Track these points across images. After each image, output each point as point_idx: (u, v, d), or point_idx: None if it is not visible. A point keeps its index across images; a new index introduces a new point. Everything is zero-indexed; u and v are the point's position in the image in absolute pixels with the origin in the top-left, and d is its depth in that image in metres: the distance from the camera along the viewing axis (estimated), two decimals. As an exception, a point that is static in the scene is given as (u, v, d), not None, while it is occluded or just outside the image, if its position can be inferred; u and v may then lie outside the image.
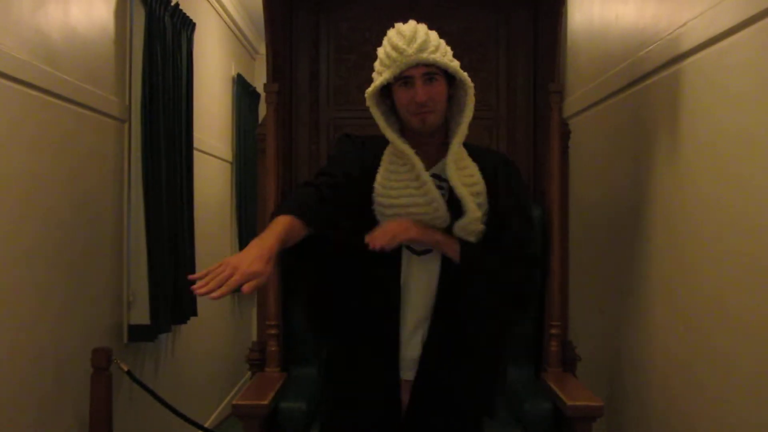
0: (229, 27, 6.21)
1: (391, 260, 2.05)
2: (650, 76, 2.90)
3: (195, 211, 4.70)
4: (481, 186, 2.07)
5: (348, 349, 2.15)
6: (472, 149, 2.15)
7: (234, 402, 2.61)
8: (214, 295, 1.73)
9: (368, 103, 2.04)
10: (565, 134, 3.14)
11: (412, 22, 2.05)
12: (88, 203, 3.50)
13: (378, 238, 1.96)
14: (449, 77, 2.04)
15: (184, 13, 4.47)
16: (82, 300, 3.44)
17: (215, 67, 5.76)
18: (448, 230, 2.04)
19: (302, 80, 3.38)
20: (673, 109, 2.69)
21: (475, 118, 3.30)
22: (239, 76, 6.41)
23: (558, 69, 3.18)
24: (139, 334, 3.91)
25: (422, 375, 2.06)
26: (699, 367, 2.51)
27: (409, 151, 2.02)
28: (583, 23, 3.89)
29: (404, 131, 2.09)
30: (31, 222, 3.00)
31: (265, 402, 2.58)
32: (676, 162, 2.68)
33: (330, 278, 2.16)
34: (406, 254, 2.07)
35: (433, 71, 1.99)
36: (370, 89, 2.03)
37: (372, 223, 2.05)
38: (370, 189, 2.06)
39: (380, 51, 2.04)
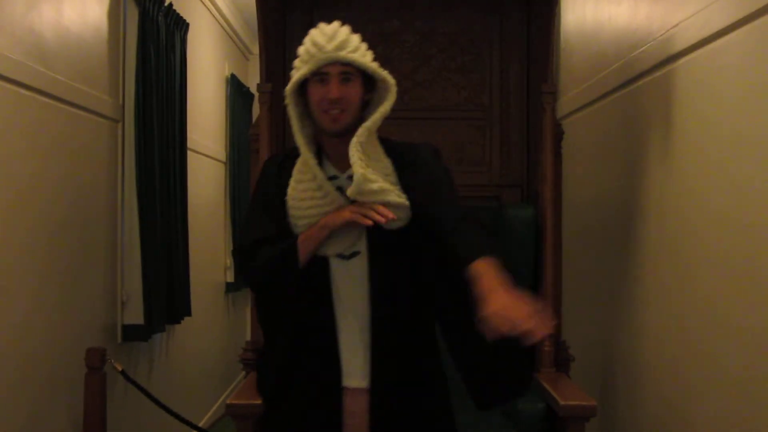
0: (222, 27, 6.20)
1: (320, 272, 2.05)
2: (643, 77, 2.90)
3: (189, 212, 4.69)
4: (390, 175, 2.03)
5: (288, 356, 2.13)
6: (393, 144, 2.12)
7: (228, 401, 2.60)
8: None
9: (287, 101, 2.03)
10: (558, 135, 3.13)
11: (335, 23, 2.04)
12: (82, 203, 3.49)
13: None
14: (366, 82, 2.03)
15: (178, 14, 4.46)
16: (76, 300, 3.44)
17: (209, 67, 5.75)
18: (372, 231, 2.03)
19: (296, 80, 3.37)
20: (666, 110, 2.69)
21: (468, 118, 3.36)
22: (233, 76, 6.41)
23: (551, 70, 3.17)
24: (133, 333, 3.91)
25: (377, 380, 2.04)
26: (691, 369, 2.51)
27: (309, 159, 2.02)
28: (576, 24, 3.89)
29: (318, 135, 2.08)
30: (25, 222, 2.99)
31: (259, 402, 2.57)
32: (669, 163, 2.68)
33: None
34: (334, 263, 2.06)
35: (350, 71, 1.98)
36: (288, 85, 2.02)
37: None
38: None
39: (300, 49, 2.03)
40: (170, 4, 4.33)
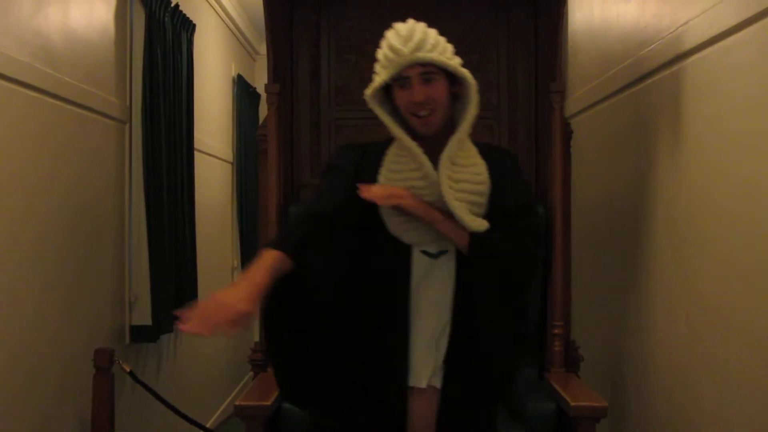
0: (229, 28, 6.20)
1: (401, 265, 2.00)
2: (652, 76, 2.89)
3: (196, 212, 4.69)
4: (485, 186, 2.01)
5: (341, 354, 2.07)
6: (482, 147, 2.10)
7: (236, 403, 2.59)
8: (198, 332, 1.70)
9: (370, 105, 2.00)
10: (567, 134, 3.12)
11: (410, 21, 2.00)
12: (90, 204, 3.49)
13: (374, 191, 1.93)
14: (451, 76, 1.98)
15: (184, 14, 4.46)
16: (84, 300, 3.44)
17: (215, 67, 5.75)
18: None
19: (303, 80, 3.37)
20: (675, 109, 2.68)
21: (476, 117, 3.33)
22: (239, 76, 6.40)
23: (559, 68, 3.16)
24: (141, 334, 3.91)
25: (450, 383, 2.01)
26: (700, 372, 2.50)
27: (412, 145, 1.97)
28: (584, 22, 3.88)
29: (410, 135, 2.03)
30: (33, 223, 2.99)
31: (268, 403, 2.56)
32: (678, 163, 2.67)
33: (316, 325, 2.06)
34: (417, 258, 2.01)
35: (431, 71, 1.94)
36: (368, 91, 1.99)
37: (380, 234, 2.02)
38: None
39: (379, 52, 2.00)
40: (177, 5, 4.33)
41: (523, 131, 3.34)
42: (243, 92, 6.47)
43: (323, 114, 3.36)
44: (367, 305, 2.05)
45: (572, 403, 2.57)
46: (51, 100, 3.12)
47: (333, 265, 2.04)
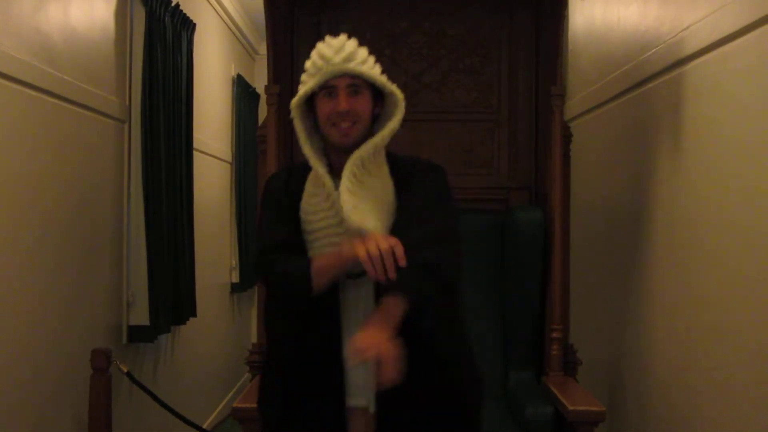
0: (229, 27, 6.20)
1: (328, 288, 1.99)
2: (652, 80, 2.89)
3: (195, 212, 4.69)
4: (388, 195, 2.00)
5: (293, 369, 2.08)
6: (398, 160, 2.07)
7: (234, 405, 2.59)
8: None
9: (293, 114, 2.00)
10: (567, 137, 3.12)
11: (342, 36, 2.00)
12: (88, 204, 3.49)
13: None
14: (375, 96, 1.99)
15: (185, 14, 4.46)
16: (82, 300, 3.44)
17: (215, 67, 5.75)
18: None
19: (303, 82, 3.37)
20: (676, 113, 2.68)
21: (476, 120, 3.35)
22: (239, 76, 6.40)
23: (560, 72, 3.16)
24: (138, 334, 3.91)
25: (382, 401, 1.99)
26: (697, 378, 2.51)
27: (321, 171, 1.98)
28: (585, 26, 3.88)
29: (327, 149, 2.04)
30: (32, 223, 2.99)
31: (265, 405, 2.56)
32: (678, 168, 2.67)
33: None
34: (342, 279, 2.01)
35: (358, 83, 1.95)
36: (294, 99, 1.99)
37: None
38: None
39: (307, 63, 2.00)
40: (177, 5, 4.33)
41: (522, 134, 3.34)
42: (242, 92, 6.47)
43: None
44: (303, 329, 2.05)
45: (570, 408, 2.57)
46: (51, 99, 3.12)
47: None
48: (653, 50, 2.87)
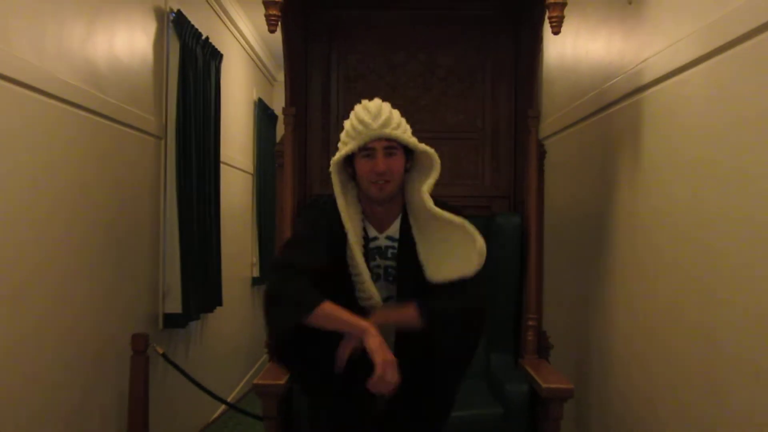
0: (251, 57, 6.20)
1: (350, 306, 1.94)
2: (615, 105, 2.89)
3: (221, 215, 4.68)
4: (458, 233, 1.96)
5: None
6: (446, 205, 2.02)
7: (254, 382, 2.58)
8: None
9: (332, 169, 1.98)
10: (541, 153, 3.12)
11: (377, 100, 1.97)
12: (129, 208, 3.49)
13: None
14: (407, 152, 1.97)
15: (213, 46, 4.46)
16: (124, 291, 3.43)
17: (239, 92, 5.75)
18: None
19: (315, 104, 3.36)
20: (635, 134, 2.67)
21: (464, 138, 3.35)
22: (260, 100, 6.40)
23: (535, 97, 3.16)
24: (172, 321, 3.91)
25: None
26: (655, 360, 2.50)
27: (356, 247, 1.97)
28: (557, 57, 3.88)
29: (361, 197, 2.03)
30: (79, 224, 2.98)
31: (282, 382, 2.55)
32: (636, 180, 2.67)
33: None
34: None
35: (393, 145, 1.93)
36: (335, 157, 1.96)
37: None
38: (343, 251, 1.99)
39: (347, 123, 1.97)
40: (207, 38, 4.33)
41: (504, 150, 3.34)
42: (262, 113, 6.47)
43: (332, 134, 3.35)
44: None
45: (544, 386, 2.57)
46: (97, 118, 3.11)
47: None
48: (616, 79, 2.86)
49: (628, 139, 2.74)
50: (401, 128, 1.94)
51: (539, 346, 3.00)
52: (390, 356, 1.83)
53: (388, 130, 1.90)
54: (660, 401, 2.45)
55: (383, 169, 1.92)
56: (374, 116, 1.91)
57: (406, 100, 3.29)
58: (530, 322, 2.97)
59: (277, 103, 6.81)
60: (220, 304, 4.68)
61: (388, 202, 1.99)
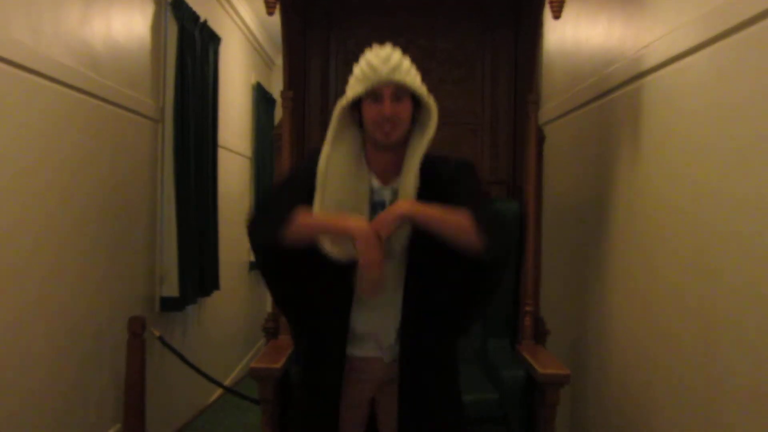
0: (249, 41, 6.17)
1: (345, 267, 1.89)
2: (615, 91, 2.88)
3: (219, 200, 4.68)
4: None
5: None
6: (433, 160, 1.97)
7: (251, 365, 2.58)
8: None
9: (335, 113, 1.94)
10: (540, 139, 3.11)
11: (388, 46, 1.93)
12: (126, 191, 3.48)
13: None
14: (415, 100, 1.92)
15: (211, 29, 4.43)
16: (122, 275, 3.43)
17: (237, 76, 5.72)
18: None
19: (314, 88, 3.35)
20: (634, 120, 2.66)
21: (463, 123, 3.33)
22: (258, 84, 6.37)
23: (535, 82, 3.14)
24: (169, 304, 3.91)
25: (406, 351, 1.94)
26: (653, 344, 2.50)
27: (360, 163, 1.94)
28: (557, 43, 3.86)
29: (366, 143, 1.98)
30: (76, 207, 2.98)
31: (278, 366, 2.56)
32: (636, 167, 2.66)
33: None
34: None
35: (401, 91, 1.88)
36: (343, 100, 1.93)
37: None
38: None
39: (356, 68, 1.94)
40: (205, 21, 4.30)
41: (503, 135, 3.32)
42: (261, 98, 6.44)
43: (330, 117, 3.33)
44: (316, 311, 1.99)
45: (541, 371, 2.57)
46: (94, 100, 3.10)
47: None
48: (616, 65, 2.85)
49: (628, 125, 2.73)
50: (411, 75, 1.90)
51: (536, 331, 3.00)
52: (377, 256, 1.79)
53: (397, 75, 1.86)
54: (657, 386, 2.46)
55: (390, 113, 1.87)
56: (384, 60, 1.88)
57: (405, 85, 3.27)
58: (527, 309, 2.97)
59: (276, 87, 6.78)
60: (218, 288, 4.67)
61: (393, 151, 1.94)
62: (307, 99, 3.34)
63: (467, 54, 3.34)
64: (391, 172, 1.96)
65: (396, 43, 3.47)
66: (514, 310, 3.07)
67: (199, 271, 4.21)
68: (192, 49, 4.03)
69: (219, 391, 4.87)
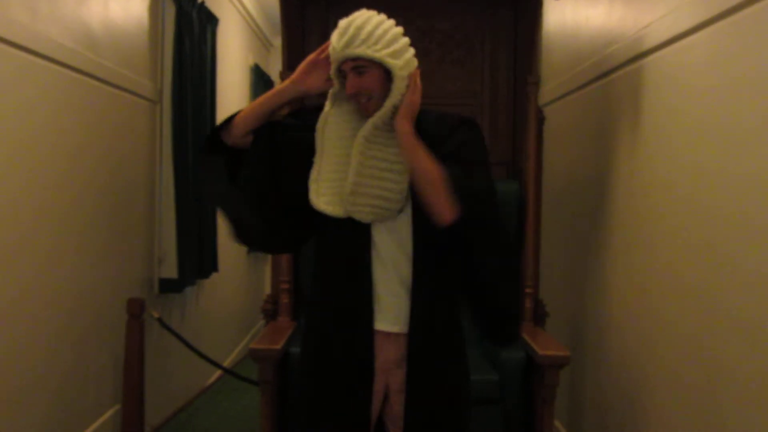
0: (247, 22, 6.13)
1: (361, 227, 1.85)
2: (615, 71, 2.85)
3: (217, 182, 4.65)
4: (400, 165, 1.84)
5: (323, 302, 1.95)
6: (426, 117, 1.92)
7: (250, 346, 2.58)
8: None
9: (335, 82, 1.89)
10: (540, 120, 3.10)
11: (353, 14, 1.86)
12: (124, 172, 3.47)
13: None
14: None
15: (209, 10, 4.40)
16: (120, 256, 3.42)
17: (235, 57, 5.69)
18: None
19: (312, 69, 3.32)
20: (635, 101, 2.65)
21: (462, 104, 3.31)
22: (256, 65, 6.34)
23: (535, 63, 3.13)
24: (168, 286, 3.91)
25: (415, 323, 1.88)
26: (651, 326, 2.50)
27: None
28: (557, 23, 3.83)
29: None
30: (70, 187, 2.96)
31: (278, 347, 2.55)
32: (637, 147, 2.65)
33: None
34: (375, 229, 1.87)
35: (362, 64, 1.80)
36: (332, 90, 1.91)
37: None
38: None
39: None
40: (203, 2, 4.27)
41: (502, 116, 3.31)
42: (259, 79, 6.41)
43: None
44: (336, 274, 1.92)
45: (540, 353, 2.57)
46: (92, 81, 3.08)
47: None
48: (617, 45, 2.83)
49: (629, 106, 2.72)
50: (367, 43, 1.79)
51: (536, 313, 3.00)
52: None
53: (349, 50, 1.79)
54: (655, 367, 2.46)
55: (352, 91, 1.82)
56: (340, 35, 1.81)
57: (404, 66, 3.25)
58: (527, 290, 2.97)
59: (274, 69, 6.75)
60: (216, 270, 4.67)
61: None
62: (305, 80, 3.31)
63: (466, 34, 3.32)
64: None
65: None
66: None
67: (197, 252, 4.21)
68: (190, 29, 4.00)
69: (218, 373, 4.88)
